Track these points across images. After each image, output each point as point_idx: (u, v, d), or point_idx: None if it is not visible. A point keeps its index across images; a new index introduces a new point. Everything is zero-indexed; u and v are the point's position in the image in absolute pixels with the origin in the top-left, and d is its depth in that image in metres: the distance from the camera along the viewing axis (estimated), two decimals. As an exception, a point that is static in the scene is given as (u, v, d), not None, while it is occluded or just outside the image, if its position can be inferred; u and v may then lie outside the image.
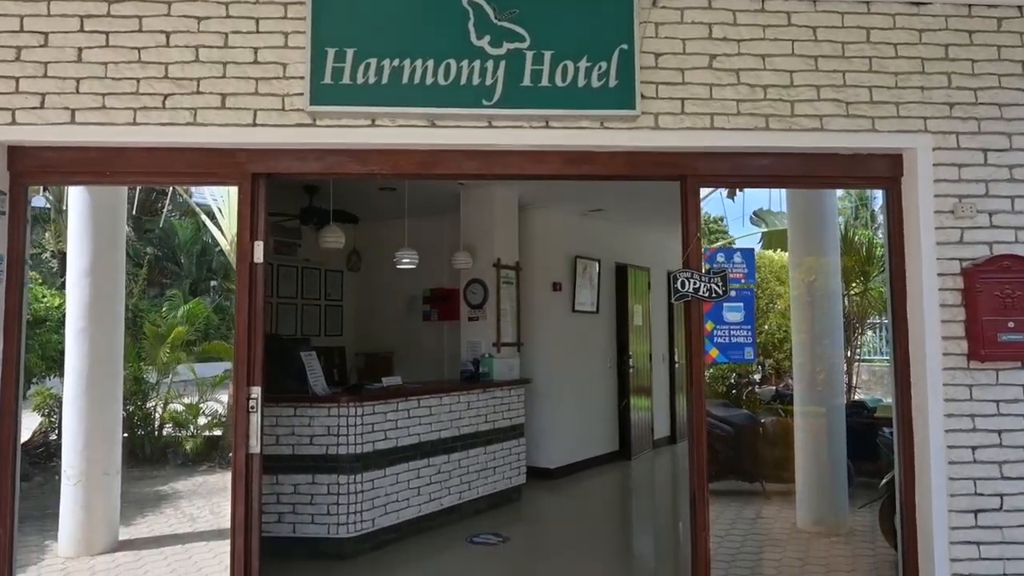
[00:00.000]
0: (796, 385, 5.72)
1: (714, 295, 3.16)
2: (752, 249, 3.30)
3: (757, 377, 8.23)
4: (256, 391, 3.07)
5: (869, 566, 4.66)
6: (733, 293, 3.19)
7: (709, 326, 3.20)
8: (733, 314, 3.19)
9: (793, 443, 6.62)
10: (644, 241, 9.59)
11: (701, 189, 3.21)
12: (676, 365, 10.12)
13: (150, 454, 7.47)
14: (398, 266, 6.44)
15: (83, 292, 5.04)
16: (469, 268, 6.86)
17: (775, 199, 6.75)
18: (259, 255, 3.15)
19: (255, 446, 3.05)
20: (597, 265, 8.37)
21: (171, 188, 7.98)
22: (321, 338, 8.39)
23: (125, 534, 5.48)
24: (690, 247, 3.17)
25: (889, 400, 8.07)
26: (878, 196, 3.34)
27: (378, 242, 8.08)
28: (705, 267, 3.20)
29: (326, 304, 8.58)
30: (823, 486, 5.51)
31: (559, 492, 6.99)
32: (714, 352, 3.19)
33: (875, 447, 6.93)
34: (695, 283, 3.15)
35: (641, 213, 8.36)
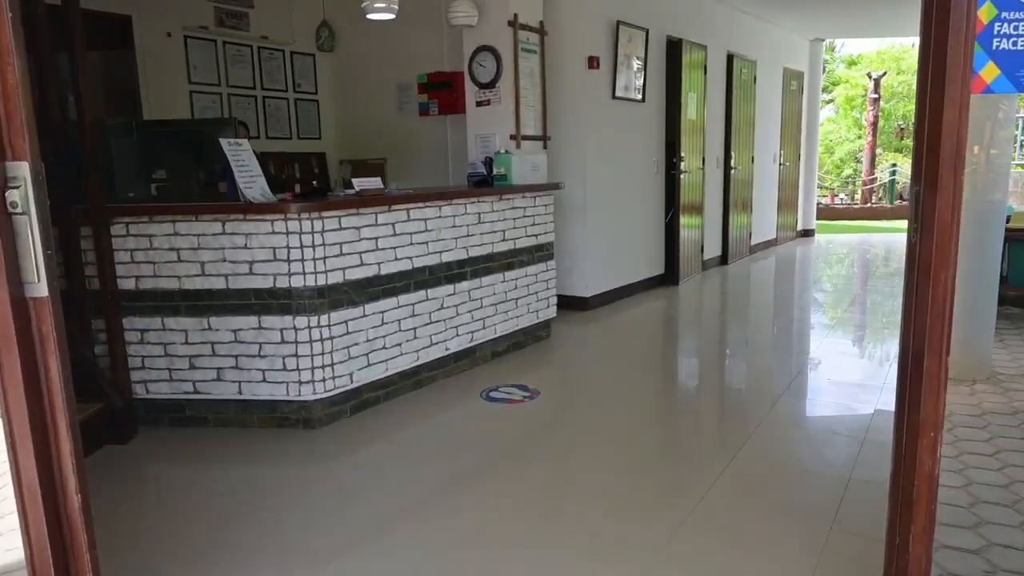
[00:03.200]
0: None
1: (1007, -61, 1.40)
2: None
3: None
4: (20, 170, 1.46)
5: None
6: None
7: (986, 14, 1.46)
8: (1042, -14, 1.45)
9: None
10: (703, 8, 7.46)
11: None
12: (733, 171, 8.38)
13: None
14: (369, 15, 4.56)
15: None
16: (474, 28, 4.95)
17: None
18: None
19: (35, 281, 1.49)
20: (644, 36, 6.38)
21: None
22: (293, 141, 6.70)
23: None
24: None
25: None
26: None
27: (355, 12, 6.09)
28: None
29: (296, 98, 6.78)
30: (960, 318, 4.03)
31: (597, 326, 5.60)
32: (990, 71, 1.48)
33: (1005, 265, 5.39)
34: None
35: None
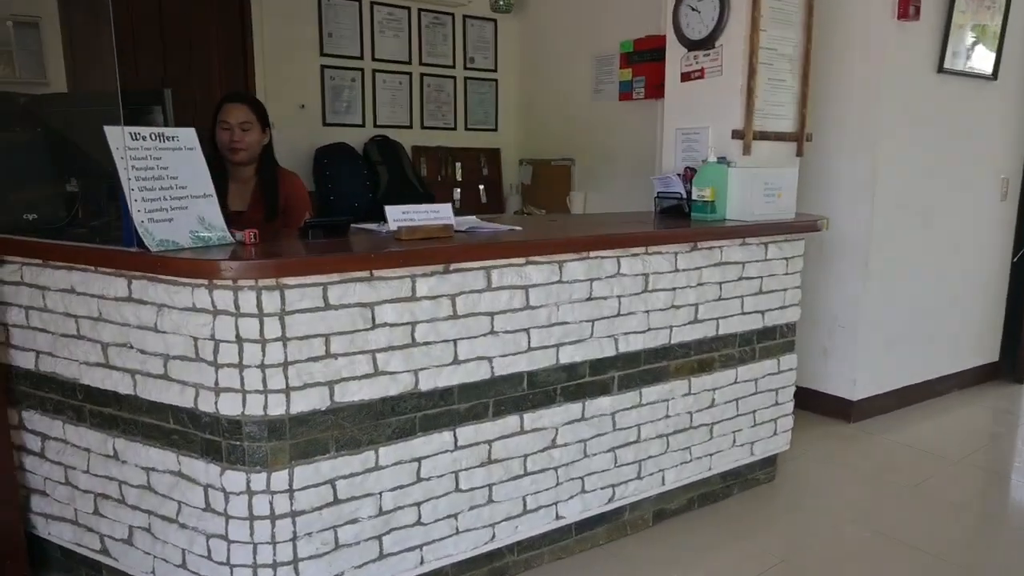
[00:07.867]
0: None
1: None
2: None
3: None
4: None
5: None
6: None
7: None
8: None
9: None
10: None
11: None
12: None
13: None
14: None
15: None
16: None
17: None
18: None
19: None
20: (1011, -33, 3.75)
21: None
22: (459, 133, 5.21)
23: None
24: None
25: None
26: None
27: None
28: None
29: (467, 76, 5.25)
30: None
31: (865, 458, 3.26)
32: None
33: None
34: None
35: None
